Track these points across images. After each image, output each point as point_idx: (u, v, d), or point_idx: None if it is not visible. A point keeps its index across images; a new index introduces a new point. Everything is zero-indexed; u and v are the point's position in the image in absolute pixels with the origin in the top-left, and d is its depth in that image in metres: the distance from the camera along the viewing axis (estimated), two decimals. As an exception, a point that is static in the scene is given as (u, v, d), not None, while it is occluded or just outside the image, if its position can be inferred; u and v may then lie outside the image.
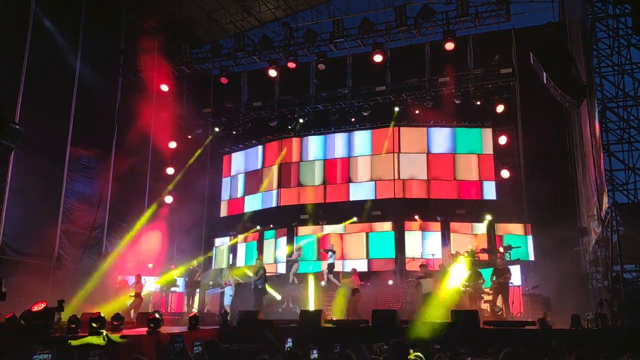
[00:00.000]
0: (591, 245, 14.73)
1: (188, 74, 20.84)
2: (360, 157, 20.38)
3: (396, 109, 19.60)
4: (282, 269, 19.83)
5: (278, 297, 16.91)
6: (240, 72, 22.39)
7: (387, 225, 19.33)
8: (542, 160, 18.24)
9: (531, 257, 17.58)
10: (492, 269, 14.56)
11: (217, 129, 21.84)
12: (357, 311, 14.57)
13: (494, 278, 14.18)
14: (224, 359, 6.32)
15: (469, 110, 19.30)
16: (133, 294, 15.78)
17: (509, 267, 14.50)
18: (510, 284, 14.15)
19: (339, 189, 20.38)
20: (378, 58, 18.07)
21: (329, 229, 19.98)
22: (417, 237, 18.90)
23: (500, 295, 13.99)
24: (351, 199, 20.12)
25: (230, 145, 22.80)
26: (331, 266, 17.20)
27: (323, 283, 16.88)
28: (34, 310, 7.77)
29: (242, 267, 20.15)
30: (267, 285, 15.81)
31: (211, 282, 18.43)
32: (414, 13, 17.53)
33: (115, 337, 8.46)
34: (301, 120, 20.76)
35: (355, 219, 19.57)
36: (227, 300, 15.60)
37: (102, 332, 8.42)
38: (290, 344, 6.77)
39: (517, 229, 18.38)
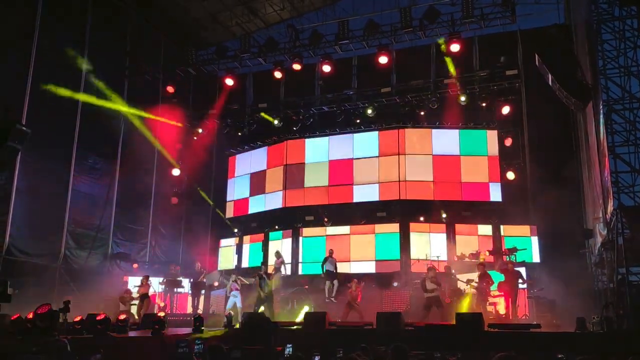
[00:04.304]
0: (597, 248, 14.67)
1: (194, 76, 20.90)
2: (365, 158, 20.35)
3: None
4: (287, 270, 19.85)
5: None
6: (246, 73, 22.49)
7: (392, 227, 19.29)
8: (548, 162, 18.19)
9: (536, 259, 17.54)
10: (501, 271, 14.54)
11: (225, 132, 21.91)
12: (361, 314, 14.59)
13: (503, 278, 14.16)
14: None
15: (474, 112, 19.26)
16: (138, 295, 15.88)
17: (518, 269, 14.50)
18: (520, 287, 14.16)
19: (344, 191, 20.36)
20: (383, 59, 18.07)
21: (333, 230, 19.99)
22: (423, 239, 18.88)
23: (509, 299, 13.96)
24: (356, 200, 20.09)
25: (235, 146, 22.86)
26: (331, 275, 16.75)
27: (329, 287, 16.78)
28: (39, 312, 7.82)
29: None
30: None
31: (216, 283, 18.47)
32: (419, 14, 17.53)
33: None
34: (306, 122, 20.77)
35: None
36: (230, 305, 15.57)
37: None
38: (290, 349, 6.75)
39: (522, 230, 18.34)
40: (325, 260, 16.92)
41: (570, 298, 13.64)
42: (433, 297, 13.93)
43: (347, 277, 16.37)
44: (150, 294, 16.25)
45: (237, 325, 12.82)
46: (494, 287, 14.44)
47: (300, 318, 14.32)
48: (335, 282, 16.34)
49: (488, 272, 14.57)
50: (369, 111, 19.94)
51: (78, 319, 10.08)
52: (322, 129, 21.12)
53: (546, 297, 14.20)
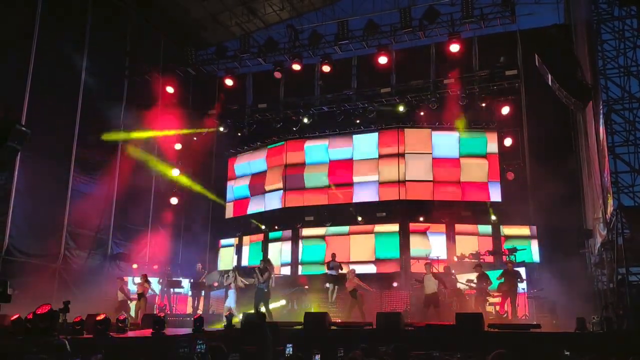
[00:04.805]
0: (596, 248, 14.67)
1: (193, 76, 20.90)
2: (364, 159, 20.34)
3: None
4: (286, 270, 19.87)
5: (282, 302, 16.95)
6: (246, 74, 22.49)
7: (392, 227, 19.28)
8: (548, 162, 18.17)
9: (536, 259, 17.54)
10: (501, 271, 14.54)
11: (222, 129, 21.83)
12: (363, 314, 14.60)
13: (502, 280, 14.16)
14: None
15: (474, 112, 19.26)
16: (137, 295, 15.91)
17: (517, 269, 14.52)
18: (520, 290, 14.16)
19: (344, 191, 20.36)
20: (383, 60, 18.08)
21: (333, 230, 19.98)
22: (422, 239, 18.87)
23: (508, 299, 13.98)
24: (355, 200, 20.09)
25: (235, 146, 22.86)
26: (333, 278, 16.57)
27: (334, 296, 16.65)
28: (39, 312, 7.81)
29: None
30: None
31: (216, 284, 18.46)
32: (419, 15, 17.54)
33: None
34: (305, 120, 20.75)
35: (360, 218, 19.60)
36: (230, 303, 15.56)
37: None
38: (290, 349, 6.75)
39: (522, 231, 18.34)
40: (328, 265, 16.71)
41: (570, 298, 13.65)
42: (431, 296, 14.00)
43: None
44: (148, 294, 16.28)
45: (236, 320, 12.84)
46: (492, 287, 14.48)
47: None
48: (337, 287, 16.12)
49: (486, 272, 14.66)
50: (369, 115, 20.05)
51: (78, 319, 10.05)
52: (322, 129, 21.09)
53: (546, 297, 14.20)
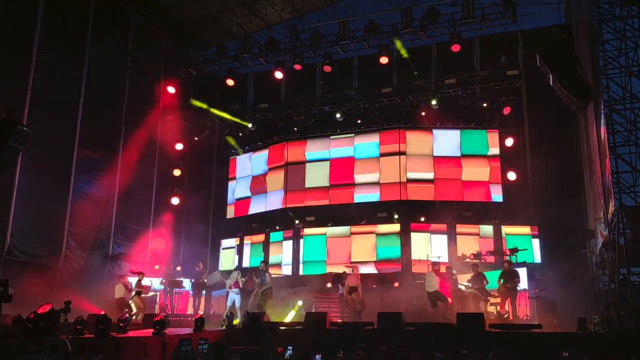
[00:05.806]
0: (598, 248, 14.67)
1: (194, 76, 20.91)
2: (366, 159, 20.30)
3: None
4: (287, 270, 19.85)
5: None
6: (247, 74, 22.50)
7: (393, 227, 19.25)
8: (549, 162, 18.14)
9: (537, 260, 17.51)
10: (500, 271, 14.54)
11: (226, 132, 21.86)
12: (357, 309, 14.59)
13: (502, 281, 14.15)
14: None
15: (475, 112, 19.25)
16: (134, 293, 15.83)
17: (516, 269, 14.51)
18: (518, 289, 14.15)
19: (345, 191, 20.33)
20: (384, 60, 18.09)
21: (334, 231, 19.95)
22: (423, 239, 18.83)
23: (508, 299, 13.98)
24: (356, 201, 20.06)
25: (236, 146, 22.85)
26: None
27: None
28: (39, 312, 7.81)
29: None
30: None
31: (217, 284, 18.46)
32: (420, 15, 17.55)
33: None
34: (306, 120, 20.72)
35: (365, 221, 19.56)
36: (230, 303, 15.55)
37: None
38: (290, 351, 6.76)
39: (523, 231, 18.31)
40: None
41: (572, 298, 13.65)
42: (434, 293, 14.04)
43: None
44: (148, 294, 16.24)
45: (236, 321, 12.84)
46: (493, 287, 14.47)
47: (289, 318, 14.67)
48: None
49: (482, 272, 14.66)
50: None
51: (79, 319, 10.06)
52: (323, 129, 21.07)
53: (547, 297, 14.19)
